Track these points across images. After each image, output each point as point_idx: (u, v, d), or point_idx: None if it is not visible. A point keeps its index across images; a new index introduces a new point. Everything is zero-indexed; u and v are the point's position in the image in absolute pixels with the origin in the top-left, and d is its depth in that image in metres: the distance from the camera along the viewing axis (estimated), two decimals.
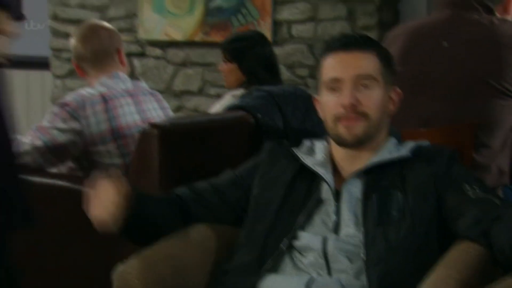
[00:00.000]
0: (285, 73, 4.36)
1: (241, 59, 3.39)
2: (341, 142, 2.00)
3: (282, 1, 4.50)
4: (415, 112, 2.49)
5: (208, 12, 4.67)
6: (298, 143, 2.13)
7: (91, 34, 2.93)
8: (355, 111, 1.95)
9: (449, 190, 1.91)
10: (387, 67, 2.02)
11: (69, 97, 2.80)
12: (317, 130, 2.37)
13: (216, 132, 2.54)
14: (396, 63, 2.22)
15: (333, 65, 1.99)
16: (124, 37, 4.97)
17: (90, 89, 2.84)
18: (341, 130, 1.97)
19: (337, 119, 1.97)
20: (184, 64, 4.86)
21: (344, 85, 1.97)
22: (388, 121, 2.04)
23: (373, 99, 1.97)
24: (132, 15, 4.93)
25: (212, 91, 4.76)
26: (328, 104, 1.99)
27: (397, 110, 2.05)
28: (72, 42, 2.95)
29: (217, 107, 3.33)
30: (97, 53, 2.90)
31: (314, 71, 4.46)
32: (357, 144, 1.98)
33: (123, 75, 2.93)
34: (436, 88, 2.50)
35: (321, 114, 2.05)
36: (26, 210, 1.87)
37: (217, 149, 2.50)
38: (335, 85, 1.98)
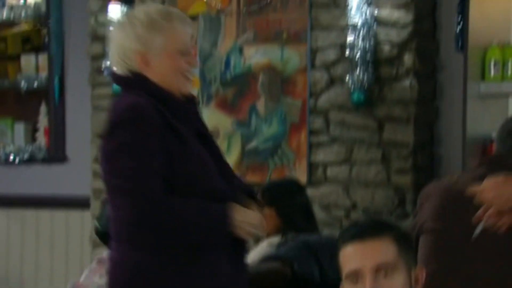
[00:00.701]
0: (320, 214, 4.40)
1: (279, 205, 3.46)
2: None
3: (318, 144, 4.59)
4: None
5: (245, 154, 4.77)
6: None
7: None
8: None
9: None
10: (406, 248, 2.04)
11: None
12: None
13: (252, 285, 2.56)
14: (431, 220, 2.25)
15: (351, 257, 2.01)
16: None
17: None
18: None
19: None
20: None
21: (364, 277, 1.98)
22: None
23: (395, 287, 1.98)
24: None
25: None
26: None
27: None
28: None
29: (253, 255, 3.36)
30: None
31: (349, 212, 4.50)
32: None
33: None
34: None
35: None
36: None
37: None
38: (355, 277, 1.99)
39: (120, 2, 4.96)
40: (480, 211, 2.29)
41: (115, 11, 4.97)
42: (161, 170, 2.36)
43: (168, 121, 2.40)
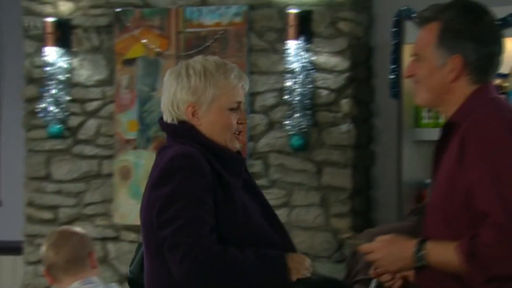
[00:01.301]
0: None
1: None
2: None
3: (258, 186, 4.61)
4: None
5: None
6: None
7: (63, 241, 3.01)
8: None
9: None
10: None
11: None
12: None
13: None
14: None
15: None
16: (99, 221, 5.06)
17: None
18: None
19: None
20: None
21: None
22: None
23: None
24: (108, 200, 4.99)
25: None
26: None
27: None
28: (44, 250, 3.01)
29: None
30: (69, 260, 2.97)
31: None
32: None
33: (95, 279, 2.99)
34: None
35: None
36: None
37: None
38: None
39: (55, 45, 4.93)
40: (371, 270, 2.33)
41: (50, 54, 4.93)
42: (213, 220, 2.31)
43: (218, 172, 2.36)
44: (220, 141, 2.43)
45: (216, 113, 2.42)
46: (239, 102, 2.45)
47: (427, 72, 2.31)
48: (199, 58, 2.47)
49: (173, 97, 2.43)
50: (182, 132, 2.42)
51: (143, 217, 2.40)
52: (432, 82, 2.29)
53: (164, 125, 2.49)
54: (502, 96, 3.66)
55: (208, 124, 2.41)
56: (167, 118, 2.46)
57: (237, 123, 2.45)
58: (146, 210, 2.38)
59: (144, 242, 2.42)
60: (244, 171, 2.47)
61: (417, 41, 2.35)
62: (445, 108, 2.32)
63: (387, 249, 2.28)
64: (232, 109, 2.43)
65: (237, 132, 2.46)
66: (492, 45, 2.28)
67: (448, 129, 2.32)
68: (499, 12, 2.52)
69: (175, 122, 2.44)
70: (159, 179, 2.34)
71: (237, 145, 2.47)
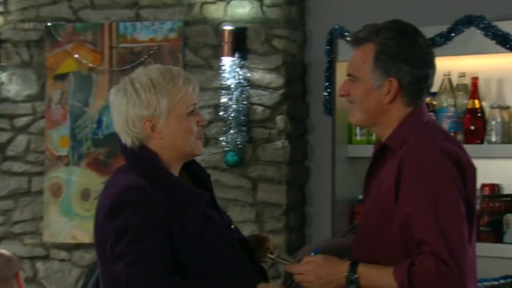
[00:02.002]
0: None
1: None
2: None
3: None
4: None
5: None
6: None
7: None
8: None
9: None
10: None
11: None
12: None
13: None
14: None
15: None
16: (28, 240, 4.94)
17: None
18: None
19: None
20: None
21: None
22: None
23: None
24: (38, 218, 4.89)
25: None
26: None
27: None
28: None
29: None
30: None
31: None
32: None
33: None
34: None
35: None
36: None
37: None
38: None
39: None
40: None
41: None
42: (167, 250, 2.26)
43: (169, 208, 2.29)
44: (186, 149, 2.37)
45: (176, 121, 2.35)
46: (195, 104, 2.40)
47: (362, 93, 2.32)
48: (140, 70, 2.40)
49: (125, 116, 2.34)
50: (142, 163, 2.34)
51: (97, 249, 2.36)
52: (368, 103, 2.31)
53: (123, 149, 2.40)
54: (432, 116, 3.73)
55: (171, 135, 2.34)
56: (125, 140, 2.37)
57: (197, 125, 2.40)
58: (100, 241, 2.33)
59: (100, 274, 2.38)
60: (205, 203, 2.38)
61: (352, 61, 2.36)
62: (379, 129, 2.35)
63: (318, 271, 2.26)
64: (190, 113, 2.37)
65: (198, 136, 2.41)
66: (426, 67, 2.32)
67: (382, 151, 2.35)
68: (428, 32, 2.57)
69: (136, 143, 2.35)
70: (111, 211, 2.29)
71: (202, 149, 2.43)
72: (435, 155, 2.21)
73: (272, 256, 2.40)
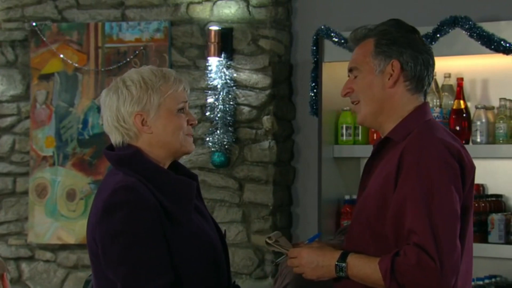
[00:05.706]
0: None
1: None
2: None
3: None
4: None
5: None
6: None
7: None
8: None
9: None
10: None
11: None
12: None
13: None
14: None
15: None
16: (13, 241, 4.91)
17: None
18: None
19: None
20: (75, 267, 4.79)
21: None
22: None
23: None
24: (23, 219, 4.86)
25: None
26: None
27: None
28: None
29: None
30: None
31: None
32: None
33: None
34: None
35: None
36: None
37: None
38: None
39: None
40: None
41: None
42: (164, 252, 2.25)
43: (163, 206, 2.28)
44: (175, 145, 2.38)
45: (166, 117, 2.36)
46: (185, 102, 2.41)
47: (365, 84, 2.34)
48: (132, 70, 2.42)
49: (116, 112, 2.35)
50: (126, 161, 2.34)
51: (90, 257, 2.35)
52: (372, 91, 2.33)
53: (107, 155, 2.40)
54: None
55: (160, 130, 2.36)
56: (116, 138, 2.37)
57: (187, 124, 2.41)
58: (93, 245, 2.32)
59: (94, 278, 2.37)
60: (195, 195, 2.39)
61: (353, 57, 2.38)
62: (384, 118, 2.34)
63: (311, 256, 2.30)
64: (180, 110, 2.39)
65: (188, 133, 2.41)
66: (426, 54, 2.34)
67: (382, 145, 2.36)
68: None
69: (125, 140, 2.35)
70: (102, 214, 2.27)
71: (193, 146, 2.43)
72: (438, 150, 2.22)
73: (270, 242, 2.41)
